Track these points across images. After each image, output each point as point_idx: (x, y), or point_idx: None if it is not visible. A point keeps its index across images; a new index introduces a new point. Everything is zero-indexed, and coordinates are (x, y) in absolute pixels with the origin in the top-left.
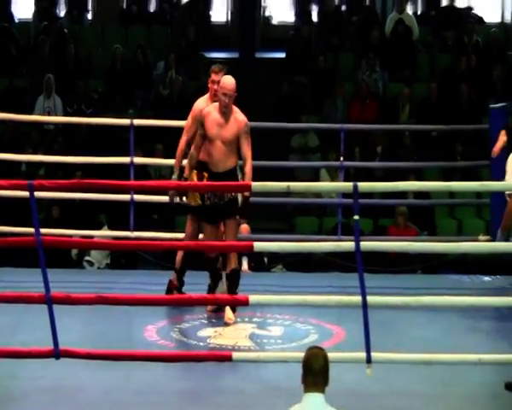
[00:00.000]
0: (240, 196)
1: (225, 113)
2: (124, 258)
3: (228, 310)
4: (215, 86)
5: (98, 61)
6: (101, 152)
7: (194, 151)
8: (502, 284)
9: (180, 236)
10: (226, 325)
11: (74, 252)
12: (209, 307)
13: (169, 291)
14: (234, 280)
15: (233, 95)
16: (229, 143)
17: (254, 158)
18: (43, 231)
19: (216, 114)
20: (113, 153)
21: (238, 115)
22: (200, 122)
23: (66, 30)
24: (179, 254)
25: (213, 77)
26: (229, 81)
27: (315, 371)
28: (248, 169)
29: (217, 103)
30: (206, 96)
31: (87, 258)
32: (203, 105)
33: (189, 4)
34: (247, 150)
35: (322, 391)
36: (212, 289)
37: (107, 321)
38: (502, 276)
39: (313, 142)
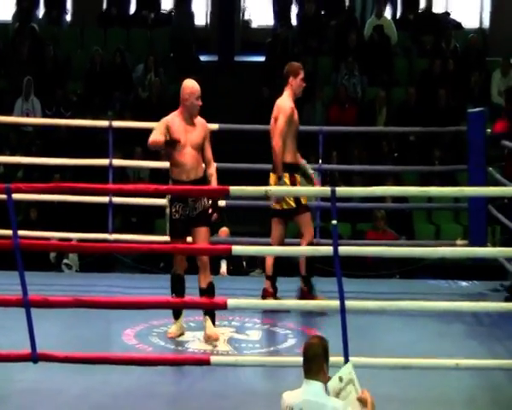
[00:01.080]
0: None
1: (191, 118)
2: (98, 261)
3: (210, 327)
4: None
5: (77, 63)
6: (80, 154)
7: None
8: (479, 289)
9: (159, 238)
10: (208, 339)
11: (53, 255)
12: (171, 333)
13: (264, 299)
14: (211, 294)
15: (198, 94)
16: (199, 147)
17: (233, 161)
18: (21, 233)
19: (181, 121)
20: (91, 155)
21: (201, 121)
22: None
23: (44, 31)
24: (269, 261)
25: (303, 74)
26: (196, 84)
27: (307, 358)
28: (214, 170)
29: (177, 112)
30: (287, 94)
31: (65, 261)
32: (289, 104)
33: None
34: (210, 153)
35: (322, 380)
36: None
37: (85, 325)
38: (479, 281)
39: None
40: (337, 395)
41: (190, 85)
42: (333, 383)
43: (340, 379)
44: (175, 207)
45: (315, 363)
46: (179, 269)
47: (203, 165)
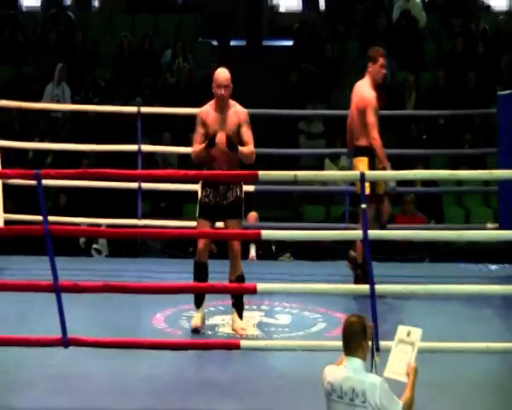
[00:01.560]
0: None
1: (222, 107)
2: (127, 246)
3: (237, 321)
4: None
5: (105, 49)
6: (109, 140)
7: None
8: (509, 273)
9: (188, 224)
10: (235, 331)
11: (82, 240)
12: (195, 325)
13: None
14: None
15: (229, 86)
16: (233, 136)
17: (261, 145)
18: (51, 219)
19: (214, 113)
20: (120, 141)
21: (237, 108)
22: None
23: (73, 18)
24: (359, 248)
25: (382, 60)
26: (222, 73)
27: (347, 336)
28: (251, 149)
29: (212, 101)
30: (367, 81)
31: (95, 246)
32: (372, 94)
33: None
34: (248, 136)
35: (361, 357)
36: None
37: (114, 310)
38: (509, 264)
39: (317, 128)
40: (397, 343)
41: (215, 74)
42: (401, 332)
43: (408, 334)
44: (205, 191)
45: (354, 341)
46: (203, 257)
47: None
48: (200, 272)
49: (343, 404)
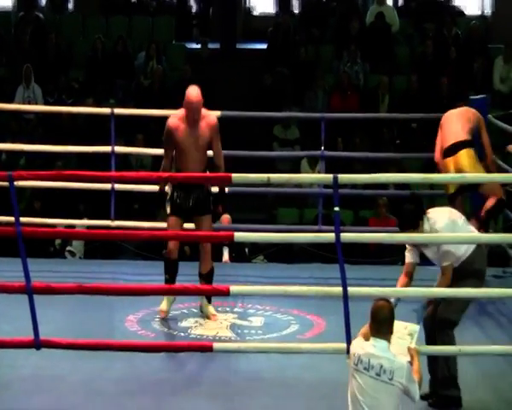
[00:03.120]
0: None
1: (194, 121)
2: (100, 248)
3: (210, 307)
4: None
5: (79, 50)
6: (82, 142)
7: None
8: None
9: (161, 225)
10: (208, 318)
11: (58, 242)
12: (163, 311)
13: None
14: (210, 280)
15: (199, 107)
16: (204, 149)
17: (236, 148)
18: (25, 220)
19: (185, 126)
20: (93, 143)
21: (209, 118)
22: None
23: (46, 19)
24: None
25: None
26: (194, 95)
27: (379, 320)
28: (222, 163)
29: (182, 112)
30: None
31: (69, 248)
32: None
33: None
34: (218, 147)
35: (387, 339)
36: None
37: (87, 311)
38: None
39: (293, 134)
40: (396, 336)
41: (187, 93)
42: (398, 325)
43: (405, 327)
44: (176, 192)
45: (385, 325)
46: (173, 254)
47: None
48: (172, 269)
49: (368, 376)
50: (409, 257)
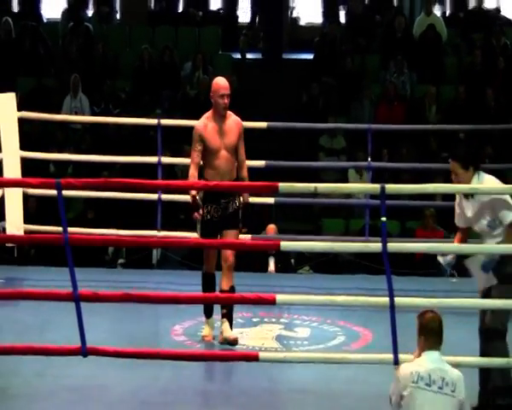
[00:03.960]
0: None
1: (222, 117)
2: (144, 259)
3: (227, 330)
4: None
5: (126, 61)
6: (129, 152)
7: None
8: None
9: None
10: (224, 342)
11: (110, 250)
12: (207, 337)
13: None
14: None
15: (229, 94)
16: (233, 149)
17: (281, 158)
18: (76, 230)
19: (214, 124)
20: (140, 153)
21: (235, 117)
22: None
23: (94, 30)
24: None
25: None
26: (223, 81)
27: (437, 331)
28: (247, 174)
29: (209, 113)
30: None
31: (120, 261)
32: None
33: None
34: (244, 154)
35: (439, 349)
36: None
37: (134, 320)
38: None
39: (339, 143)
40: None
41: (216, 82)
42: None
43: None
44: (207, 208)
45: (437, 336)
46: (211, 268)
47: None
48: (210, 284)
49: (431, 392)
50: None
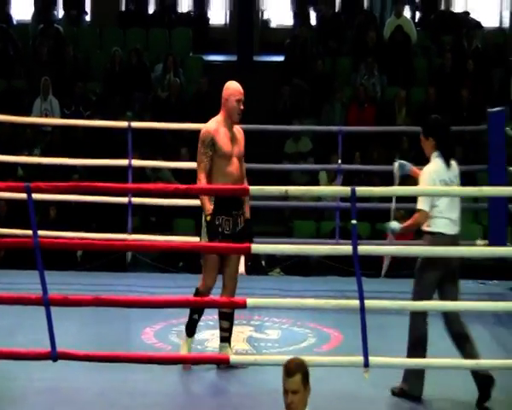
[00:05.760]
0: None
1: (233, 123)
2: (117, 261)
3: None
4: None
5: (96, 63)
6: (99, 155)
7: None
8: (499, 289)
9: (179, 238)
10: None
11: (79, 254)
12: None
13: None
14: (231, 320)
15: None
16: (242, 158)
17: (252, 161)
18: (41, 233)
19: (226, 130)
20: (110, 156)
21: (237, 126)
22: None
23: (64, 32)
24: None
25: None
26: (238, 86)
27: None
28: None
29: (220, 117)
30: None
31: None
32: None
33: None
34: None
35: None
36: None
37: (104, 323)
38: (499, 281)
39: (306, 146)
40: None
41: (232, 86)
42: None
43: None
44: (218, 220)
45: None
46: (209, 292)
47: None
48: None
49: None
50: None
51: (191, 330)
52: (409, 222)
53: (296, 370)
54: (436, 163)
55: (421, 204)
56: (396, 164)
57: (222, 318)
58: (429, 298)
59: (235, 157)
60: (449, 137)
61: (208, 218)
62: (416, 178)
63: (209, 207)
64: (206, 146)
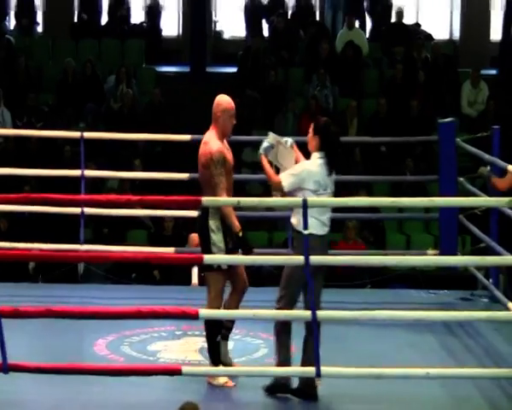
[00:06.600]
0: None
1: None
2: (69, 272)
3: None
4: None
5: (49, 74)
6: (51, 166)
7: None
8: (450, 299)
9: (132, 249)
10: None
11: (32, 266)
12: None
13: None
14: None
15: None
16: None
17: None
18: None
19: (224, 146)
20: (62, 166)
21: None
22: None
23: (15, 42)
24: None
25: None
26: (231, 101)
27: None
28: None
29: (214, 134)
30: None
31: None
32: None
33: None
34: None
35: None
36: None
37: (56, 335)
38: (450, 290)
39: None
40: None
41: (224, 102)
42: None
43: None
44: (228, 236)
45: None
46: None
47: None
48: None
49: None
50: None
51: (216, 356)
52: None
53: None
54: (315, 163)
55: (286, 179)
56: (264, 143)
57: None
58: (296, 294)
59: (231, 172)
60: (335, 148)
61: (240, 234)
62: None
63: (238, 224)
64: (221, 166)
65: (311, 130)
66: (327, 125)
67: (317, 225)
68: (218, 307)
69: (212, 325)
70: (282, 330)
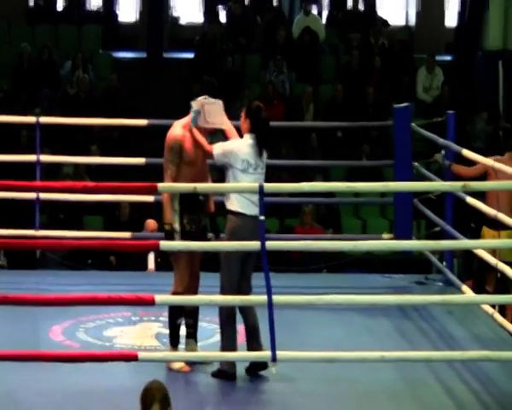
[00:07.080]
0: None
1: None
2: (24, 258)
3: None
4: None
5: (4, 59)
6: (6, 151)
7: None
8: (405, 283)
9: (88, 235)
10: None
11: None
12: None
13: None
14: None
15: None
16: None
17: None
18: None
19: (189, 135)
20: (18, 152)
21: None
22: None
23: None
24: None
25: None
26: None
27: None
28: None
29: (186, 121)
30: None
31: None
32: None
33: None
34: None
35: None
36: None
37: (11, 322)
38: (405, 275)
39: (218, 141)
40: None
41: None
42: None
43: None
44: (187, 219)
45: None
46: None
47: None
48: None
49: None
50: None
51: (175, 338)
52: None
53: (152, 401)
54: (245, 143)
55: (216, 149)
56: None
57: (186, 315)
58: (236, 277)
59: (199, 162)
60: (265, 130)
61: (167, 227)
62: None
63: (170, 217)
64: (174, 154)
65: (243, 113)
66: (258, 110)
67: (247, 205)
68: (184, 285)
69: (174, 306)
70: (228, 314)
